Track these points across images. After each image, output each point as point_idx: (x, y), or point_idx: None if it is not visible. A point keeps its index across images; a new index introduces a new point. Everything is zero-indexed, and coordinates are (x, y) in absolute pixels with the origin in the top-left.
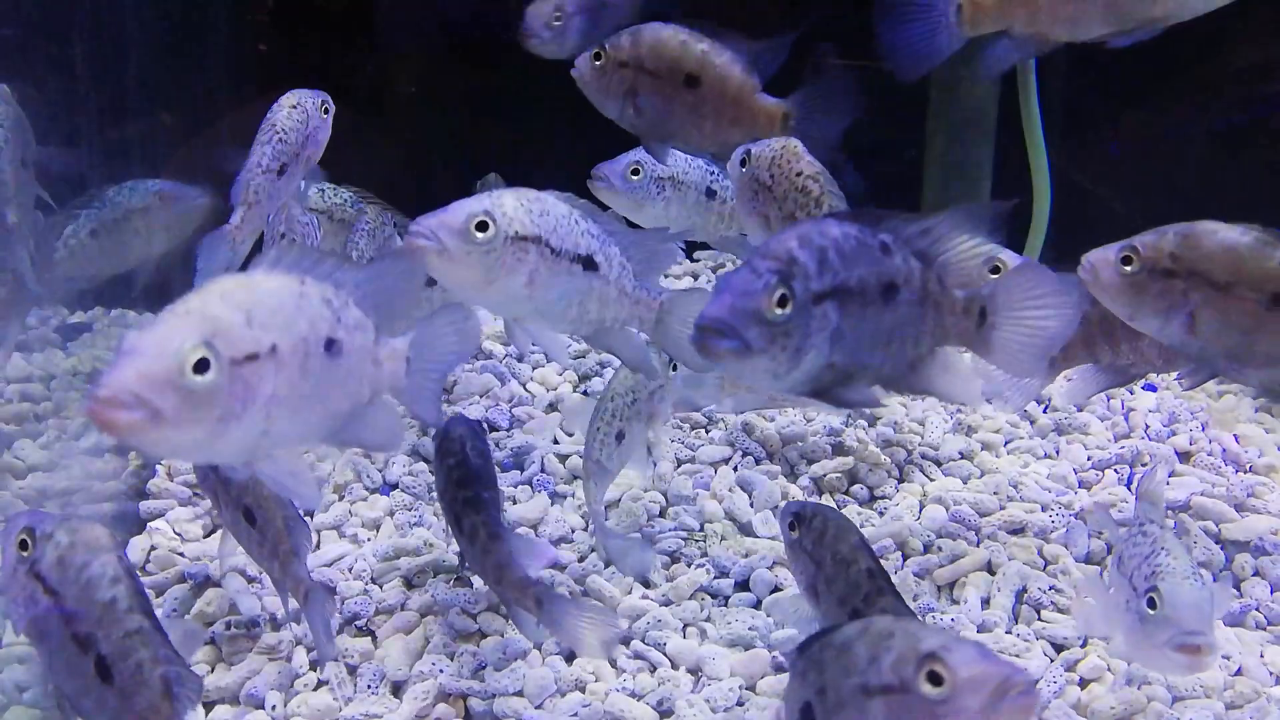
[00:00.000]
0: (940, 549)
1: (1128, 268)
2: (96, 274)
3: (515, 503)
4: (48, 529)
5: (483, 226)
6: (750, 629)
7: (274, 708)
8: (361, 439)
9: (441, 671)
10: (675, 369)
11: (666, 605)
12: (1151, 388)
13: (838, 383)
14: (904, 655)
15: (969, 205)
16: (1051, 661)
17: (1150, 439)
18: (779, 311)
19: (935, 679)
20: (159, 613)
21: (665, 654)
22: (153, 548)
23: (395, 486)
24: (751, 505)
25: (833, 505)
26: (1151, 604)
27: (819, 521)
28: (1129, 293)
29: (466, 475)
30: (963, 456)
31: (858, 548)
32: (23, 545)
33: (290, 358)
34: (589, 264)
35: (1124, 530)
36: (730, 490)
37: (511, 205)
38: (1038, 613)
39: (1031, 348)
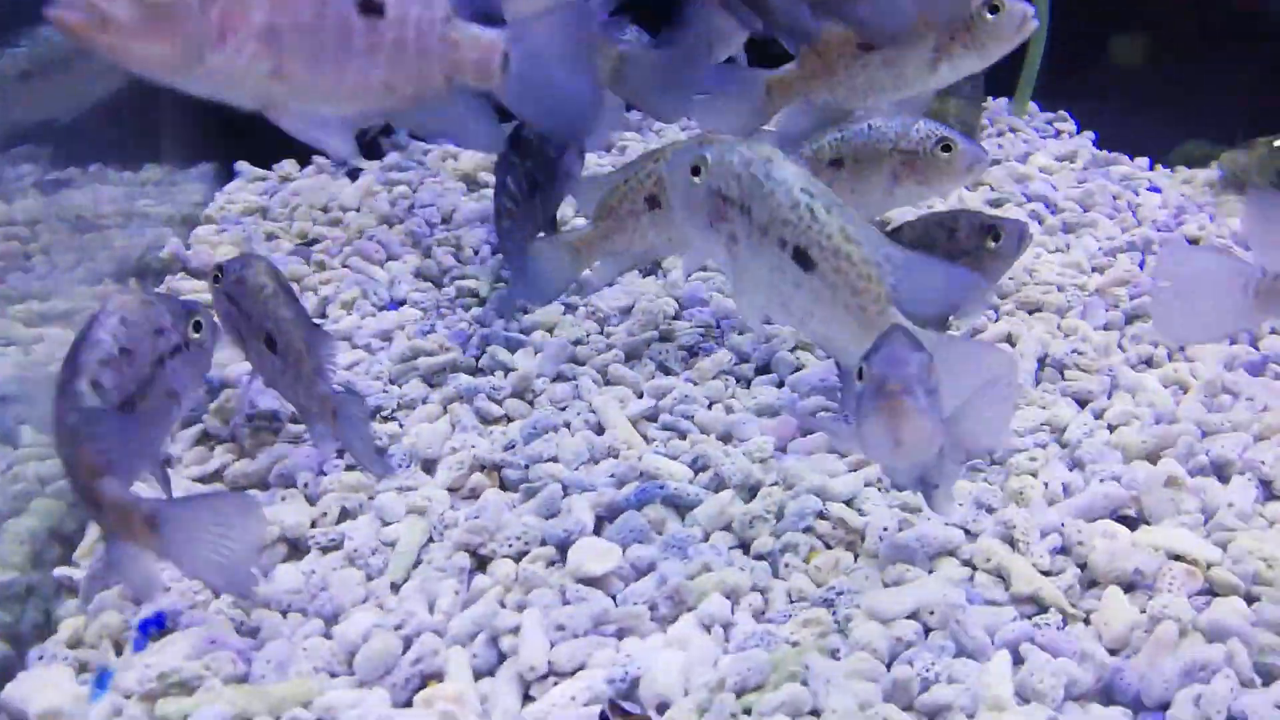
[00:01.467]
0: (958, 327)
1: None
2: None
3: (527, 312)
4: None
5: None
6: (777, 399)
7: (305, 484)
8: (446, 131)
9: (474, 447)
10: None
11: (692, 385)
12: (1155, 189)
13: None
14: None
15: None
16: (1078, 413)
17: (1159, 229)
18: None
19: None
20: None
21: (694, 423)
22: None
23: (403, 303)
24: None
25: None
26: None
27: None
28: None
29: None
30: None
31: None
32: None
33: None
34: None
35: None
36: None
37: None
38: (1061, 373)
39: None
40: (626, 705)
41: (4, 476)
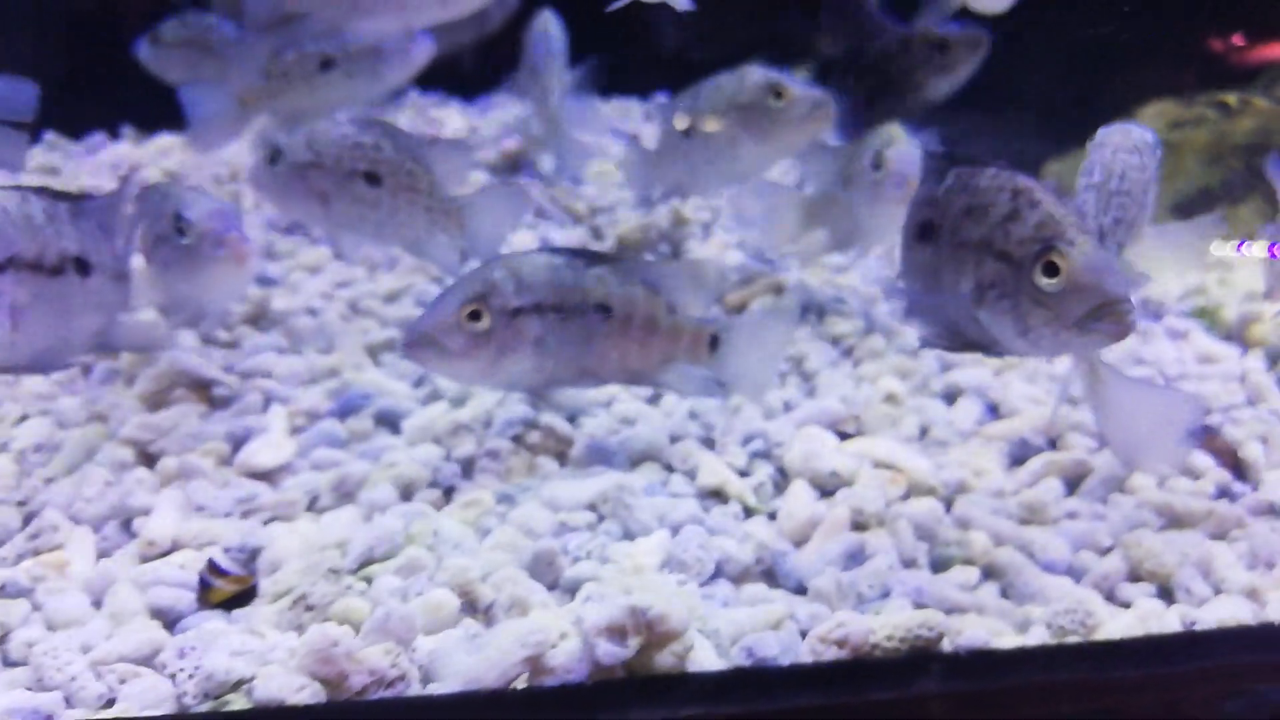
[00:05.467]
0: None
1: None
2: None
3: None
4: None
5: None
6: None
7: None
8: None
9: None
10: None
11: None
12: None
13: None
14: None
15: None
16: (827, 348)
17: None
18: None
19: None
20: None
21: None
22: None
23: None
24: None
25: None
26: None
27: None
28: None
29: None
30: None
31: None
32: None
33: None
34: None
35: None
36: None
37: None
38: (820, 318)
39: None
40: (225, 565)
41: None
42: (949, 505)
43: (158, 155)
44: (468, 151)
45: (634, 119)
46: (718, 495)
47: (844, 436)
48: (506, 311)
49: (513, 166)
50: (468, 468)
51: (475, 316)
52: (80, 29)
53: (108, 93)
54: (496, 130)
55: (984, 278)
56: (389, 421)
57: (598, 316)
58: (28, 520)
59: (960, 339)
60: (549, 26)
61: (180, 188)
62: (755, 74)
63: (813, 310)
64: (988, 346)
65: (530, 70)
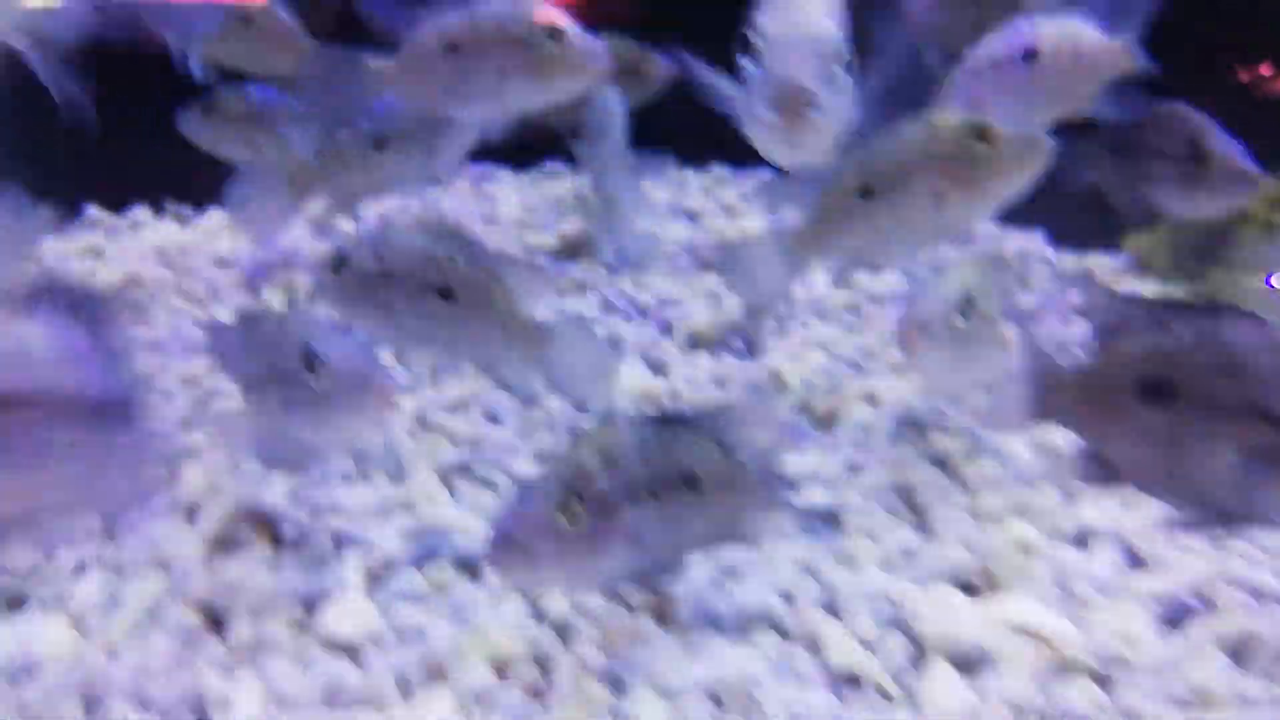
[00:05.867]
0: (816, 386)
1: None
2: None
3: None
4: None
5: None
6: None
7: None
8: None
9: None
10: None
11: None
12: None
13: None
14: None
15: None
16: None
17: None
18: None
19: None
20: None
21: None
22: None
23: None
24: None
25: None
26: None
27: None
28: None
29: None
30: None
31: None
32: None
33: None
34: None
35: None
36: None
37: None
38: (922, 433)
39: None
40: None
41: None
42: (1105, 684)
43: (206, 238)
44: (547, 276)
45: (692, 192)
46: (850, 679)
47: (970, 590)
48: (602, 502)
49: (573, 251)
50: (563, 632)
51: (569, 513)
52: (122, 91)
53: (150, 162)
54: (552, 208)
55: (1256, 447)
56: (468, 566)
57: (690, 492)
58: (89, 706)
59: (1224, 515)
60: (608, 103)
61: (303, 316)
62: (950, 117)
63: (910, 425)
64: (1263, 519)
65: (588, 150)
